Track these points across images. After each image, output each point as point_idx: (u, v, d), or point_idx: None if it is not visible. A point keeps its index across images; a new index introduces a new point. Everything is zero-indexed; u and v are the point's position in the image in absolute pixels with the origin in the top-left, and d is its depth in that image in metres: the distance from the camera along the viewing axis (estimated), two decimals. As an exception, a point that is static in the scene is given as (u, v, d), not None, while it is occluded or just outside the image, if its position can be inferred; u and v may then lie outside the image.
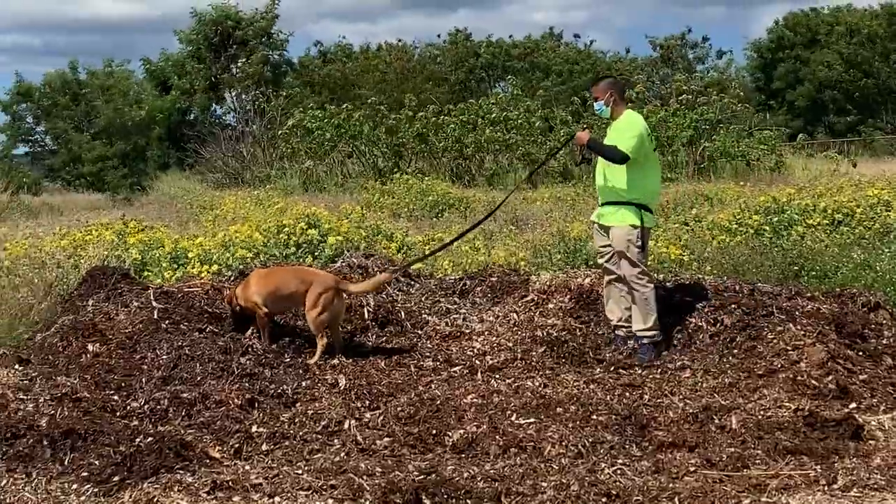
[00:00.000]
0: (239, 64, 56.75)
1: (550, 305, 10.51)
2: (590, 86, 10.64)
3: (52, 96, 51.31)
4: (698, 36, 70.98)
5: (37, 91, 51.95)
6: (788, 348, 9.10)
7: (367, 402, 8.26)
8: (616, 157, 9.51)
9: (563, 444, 7.12)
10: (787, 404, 8.04)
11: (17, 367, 8.67)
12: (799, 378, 8.54)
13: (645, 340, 9.57)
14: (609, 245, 9.82)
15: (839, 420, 7.48)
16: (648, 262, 10.14)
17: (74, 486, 6.41)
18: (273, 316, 9.76)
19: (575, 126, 36.44)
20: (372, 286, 9.99)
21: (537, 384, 8.74)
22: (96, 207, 32.12)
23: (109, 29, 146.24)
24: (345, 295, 9.76)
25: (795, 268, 12.56)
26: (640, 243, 9.55)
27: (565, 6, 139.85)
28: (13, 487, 6.39)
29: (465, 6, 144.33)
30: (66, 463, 6.69)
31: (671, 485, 6.42)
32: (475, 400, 8.24)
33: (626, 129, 9.62)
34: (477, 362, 9.48)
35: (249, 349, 9.21)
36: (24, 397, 7.81)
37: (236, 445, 7.23)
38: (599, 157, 9.83)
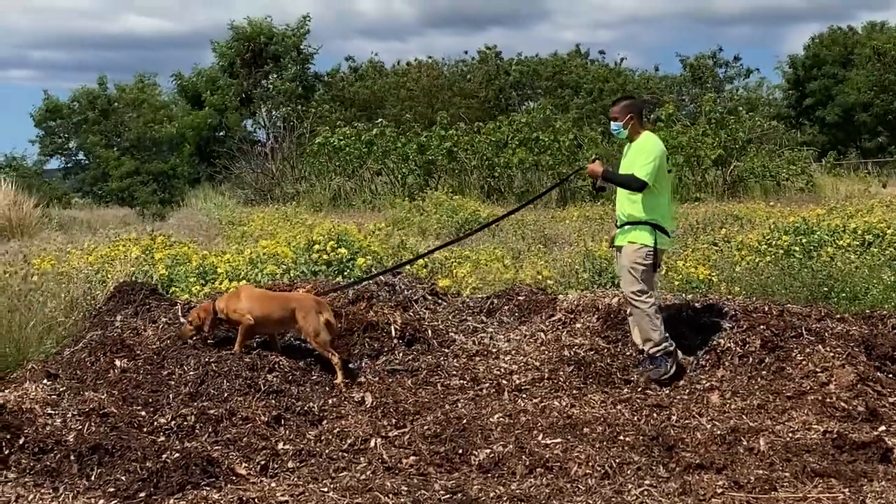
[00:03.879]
0: (270, 79, 57.02)
1: (578, 325, 10.47)
2: (609, 106, 10.55)
3: (81, 112, 51.56)
4: (729, 55, 70.88)
5: (65, 107, 52.18)
6: (817, 370, 9.05)
7: (394, 421, 8.24)
8: (634, 185, 9.43)
9: (590, 464, 7.09)
10: (815, 426, 8.01)
11: (45, 381, 8.70)
12: (828, 400, 8.51)
13: (658, 354, 9.51)
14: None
15: (868, 443, 7.44)
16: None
17: (101, 502, 6.45)
18: (255, 331, 9.73)
19: (603, 146, 36.49)
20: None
21: (564, 404, 8.72)
22: (126, 222, 32.25)
23: (139, 45, 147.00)
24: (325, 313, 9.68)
25: (825, 289, 12.50)
26: (648, 262, 9.48)
27: (594, 25, 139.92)
28: (40, 502, 6.42)
29: (495, 24, 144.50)
30: (92, 478, 6.72)
31: (698, 507, 6.39)
32: (502, 419, 8.24)
33: (643, 154, 9.51)
34: (504, 381, 9.44)
35: (276, 366, 9.20)
36: (52, 412, 7.85)
37: (262, 462, 7.23)
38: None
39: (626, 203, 9.65)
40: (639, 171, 9.41)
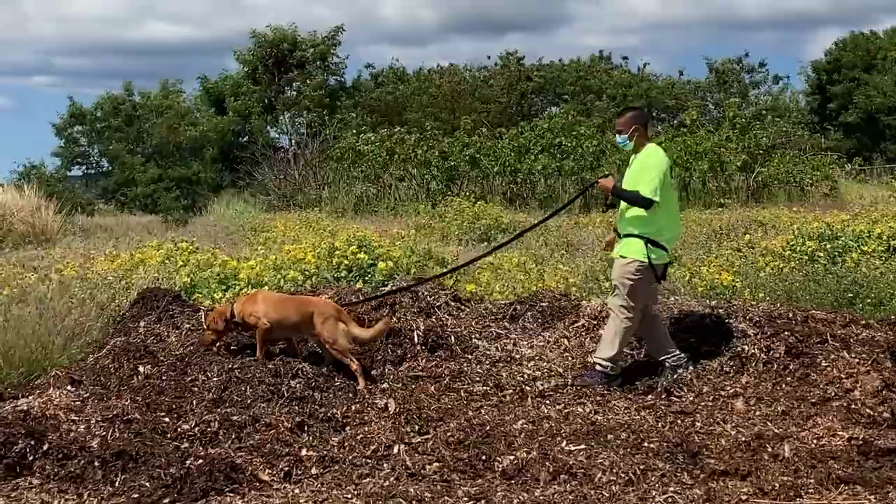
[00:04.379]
0: (294, 86, 57.15)
1: (601, 331, 10.44)
2: (615, 118, 10.48)
3: (105, 118, 51.71)
4: (755, 61, 70.64)
5: (89, 114, 52.34)
6: (842, 376, 9.02)
7: (417, 427, 8.21)
8: (642, 202, 9.35)
9: (614, 471, 7.06)
10: (840, 433, 7.95)
11: (69, 387, 8.73)
12: (853, 406, 8.47)
13: (598, 369, 9.52)
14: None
15: (893, 449, 7.40)
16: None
17: (125, 508, 6.45)
18: (272, 335, 9.72)
19: (626, 152, 36.39)
20: (375, 334, 9.89)
21: (588, 410, 8.69)
22: (149, 229, 32.33)
23: (164, 51, 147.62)
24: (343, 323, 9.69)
25: (850, 295, 12.44)
26: (637, 277, 9.43)
27: (617, 30, 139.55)
28: (64, 508, 6.44)
29: (516, 30, 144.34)
30: (116, 484, 6.73)
31: (723, 514, 6.37)
32: (525, 425, 8.21)
33: (647, 170, 9.45)
34: (527, 388, 9.42)
35: (299, 372, 9.19)
36: (77, 418, 7.87)
37: (286, 469, 7.23)
38: None
39: (624, 215, 9.65)
40: (644, 188, 9.34)
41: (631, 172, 9.67)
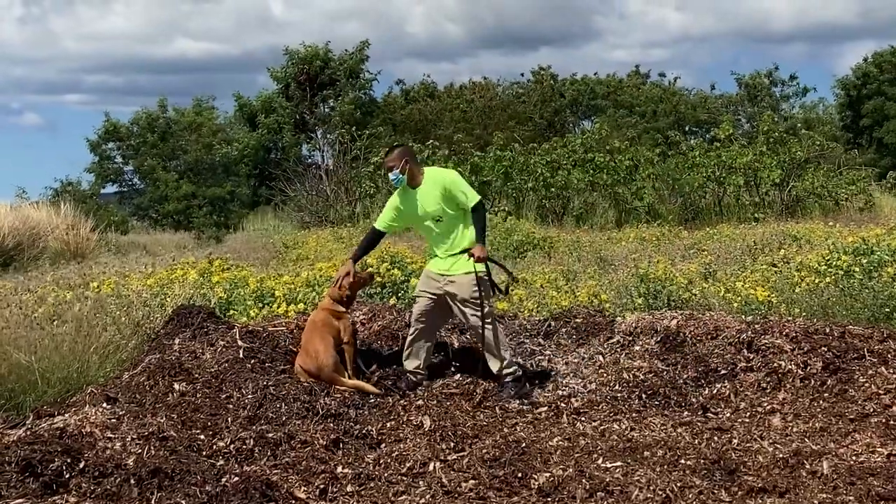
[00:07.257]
0: (330, 103, 57.32)
1: (636, 347, 10.41)
2: (383, 157, 10.52)
3: (141, 135, 51.90)
4: (785, 73, 70.30)
5: (124, 128, 52.50)
6: (881, 392, 8.96)
7: (452, 444, 8.20)
8: (484, 209, 9.67)
9: (651, 488, 7.02)
10: (879, 449, 7.89)
11: (104, 405, 8.73)
12: (892, 423, 8.40)
13: (507, 379, 9.64)
14: (431, 293, 9.86)
15: (934, 467, 7.33)
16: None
17: (161, 526, 6.45)
18: None
19: (658, 167, 36.42)
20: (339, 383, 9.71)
21: (624, 427, 8.66)
22: (183, 246, 32.44)
23: (193, 68, 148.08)
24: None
25: (887, 310, 12.34)
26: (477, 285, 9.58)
27: (647, 44, 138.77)
28: (100, 526, 6.44)
29: (546, 45, 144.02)
30: (152, 502, 6.72)
31: (762, 532, 6.32)
32: (561, 443, 8.19)
33: (454, 183, 9.62)
34: (562, 405, 9.40)
35: (334, 389, 9.22)
36: (112, 436, 7.86)
37: (322, 486, 7.22)
38: (434, 222, 9.78)
39: (452, 238, 9.79)
40: (472, 197, 9.60)
41: (434, 198, 9.69)
